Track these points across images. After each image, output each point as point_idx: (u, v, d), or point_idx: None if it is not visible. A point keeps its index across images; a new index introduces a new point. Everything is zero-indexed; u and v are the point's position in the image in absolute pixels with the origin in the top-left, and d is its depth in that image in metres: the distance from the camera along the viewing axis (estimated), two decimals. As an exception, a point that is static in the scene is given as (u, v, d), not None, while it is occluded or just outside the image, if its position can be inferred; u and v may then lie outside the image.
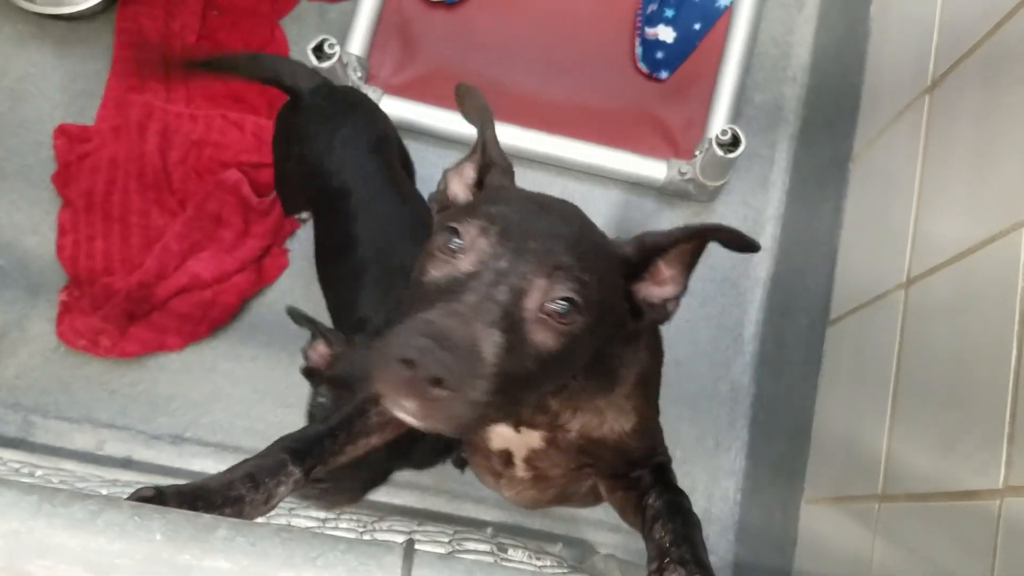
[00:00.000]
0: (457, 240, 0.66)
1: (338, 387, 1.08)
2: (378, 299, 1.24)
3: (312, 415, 1.10)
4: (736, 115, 1.73)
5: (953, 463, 1.01)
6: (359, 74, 1.70)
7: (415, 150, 1.74)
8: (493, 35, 1.81)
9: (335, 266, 1.34)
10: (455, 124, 1.71)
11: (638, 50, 1.78)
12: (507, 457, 0.95)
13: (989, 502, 0.92)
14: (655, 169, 1.70)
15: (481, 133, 0.79)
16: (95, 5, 1.69)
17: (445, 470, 1.59)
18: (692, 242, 0.75)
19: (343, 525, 1.06)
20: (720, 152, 1.56)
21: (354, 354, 1.10)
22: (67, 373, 1.62)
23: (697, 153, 1.67)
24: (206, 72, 1.55)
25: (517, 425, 0.87)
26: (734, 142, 1.56)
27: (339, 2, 1.80)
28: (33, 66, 1.74)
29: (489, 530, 1.43)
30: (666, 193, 1.74)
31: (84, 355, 1.61)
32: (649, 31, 1.76)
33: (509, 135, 1.72)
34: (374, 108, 1.44)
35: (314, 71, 1.44)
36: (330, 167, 1.31)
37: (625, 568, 1.29)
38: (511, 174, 0.78)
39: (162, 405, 1.62)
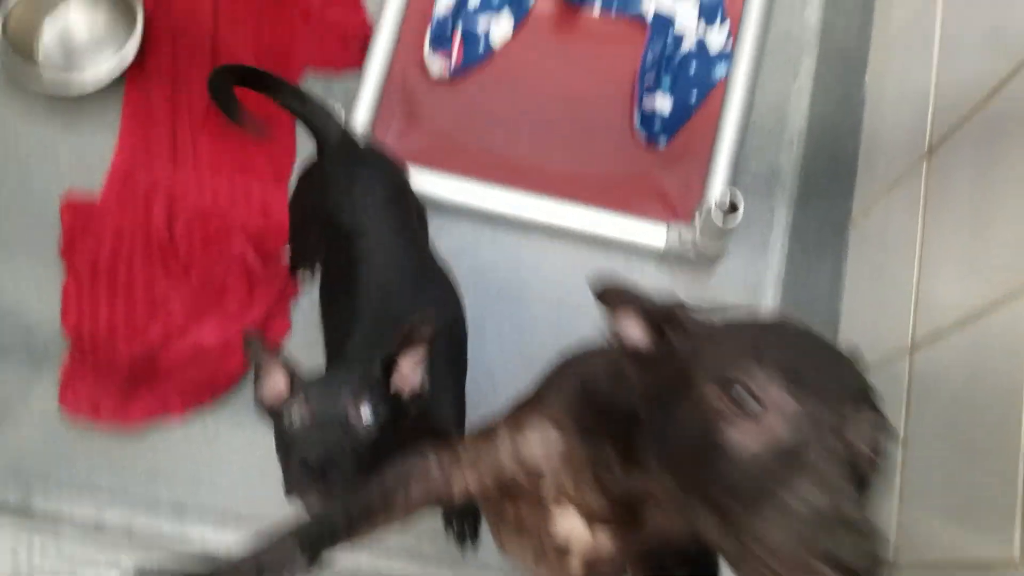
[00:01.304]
0: (745, 395, 0.60)
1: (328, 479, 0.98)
2: (370, 342, 1.24)
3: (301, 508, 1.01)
4: (734, 181, 1.75)
5: (966, 532, 1.00)
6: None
7: (418, 217, 1.77)
8: (494, 106, 1.85)
9: (336, 304, 1.36)
10: (456, 192, 1.74)
11: (636, 118, 1.82)
12: (563, 551, 0.89)
13: (1004, 572, 0.91)
14: (656, 235, 1.72)
15: (634, 297, 0.73)
16: (104, 85, 1.72)
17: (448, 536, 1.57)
18: None
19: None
20: (719, 217, 1.58)
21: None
22: (69, 442, 1.61)
23: (696, 216, 1.69)
24: (246, 85, 1.53)
25: (591, 521, 0.82)
26: (732, 207, 1.58)
27: (344, 75, 1.84)
28: (40, 141, 1.77)
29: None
30: (667, 259, 1.75)
31: (86, 423, 1.60)
32: (647, 100, 1.80)
33: (510, 203, 1.74)
34: (392, 162, 1.49)
35: (338, 124, 1.49)
36: (346, 210, 1.35)
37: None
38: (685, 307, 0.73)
39: (163, 474, 1.61)
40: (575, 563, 0.91)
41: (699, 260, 1.73)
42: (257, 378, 1.11)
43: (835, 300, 1.49)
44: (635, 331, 0.73)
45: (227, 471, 1.61)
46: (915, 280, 1.26)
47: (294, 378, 1.08)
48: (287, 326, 1.69)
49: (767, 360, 0.61)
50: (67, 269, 1.67)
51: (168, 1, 1.81)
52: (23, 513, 1.55)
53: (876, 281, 1.42)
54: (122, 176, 1.73)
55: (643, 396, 0.72)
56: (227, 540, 1.58)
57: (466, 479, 0.87)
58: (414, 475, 0.86)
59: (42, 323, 1.66)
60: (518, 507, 0.91)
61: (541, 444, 0.83)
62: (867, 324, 1.41)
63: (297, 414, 1.03)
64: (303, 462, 0.97)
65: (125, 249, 1.66)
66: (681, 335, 0.71)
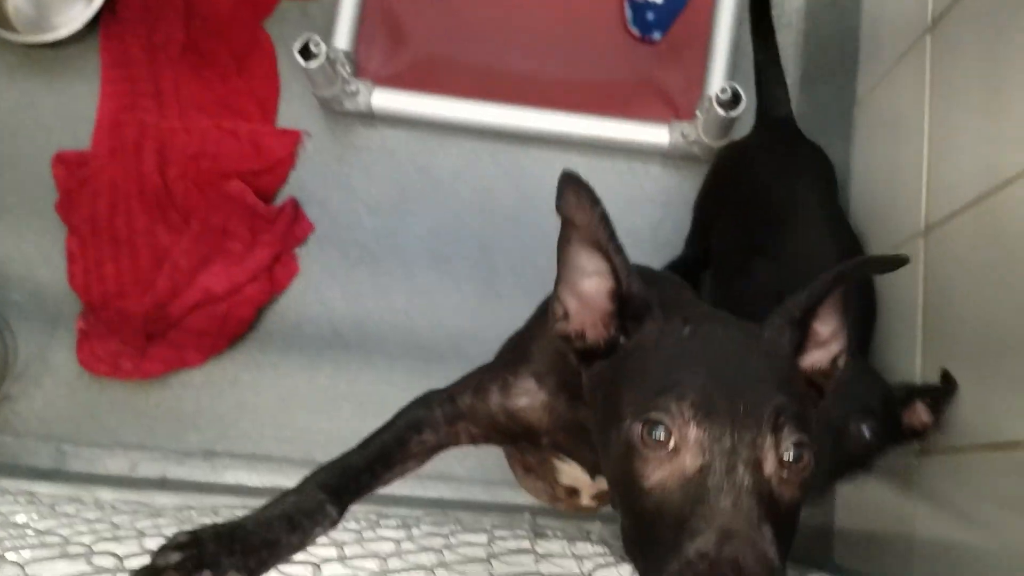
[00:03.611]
0: (662, 432, 0.62)
1: None
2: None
3: None
4: (734, 71, 1.69)
5: (992, 414, 0.99)
6: (348, 69, 1.68)
7: (411, 140, 1.72)
8: (480, 18, 1.78)
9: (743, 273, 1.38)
10: (450, 111, 1.69)
11: (628, 13, 1.75)
12: (572, 490, 0.95)
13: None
14: (658, 134, 1.68)
15: (608, 250, 0.70)
16: (78, 29, 1.66)
17: (480, 460, 1.59)
18: (839, 288, 0.71)
19: (386, 533, 1.06)
20: (721, 111, 1.53)
21: None
22: (93, 399, 1.63)
23: (698, 113, 1.64)
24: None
25: (595, 473, 0.85)
26: (735, 100, 1.53)
27: (320, -2, 1.78)
28: (24, 96, 1.73)
29: (527, 514, 1.43)
30: (671, 157, 1.71)
31: (108, 380, 1.61)
32: (637, -6, 1.73)
33: (508, 116, 1.69)
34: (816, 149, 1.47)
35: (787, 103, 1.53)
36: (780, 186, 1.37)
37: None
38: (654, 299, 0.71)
39: (189, 421, 1.63)
40: (585, 499, 0.96)
41: (704, 155, 1.68)
42: None
43: (844, 186, 1.46)
44: (589, 319, 0.72)
45: (251, 414, 1.63)
46: (925, 159, 1.22)
47: None
48: (296, 268, 1.67)
49: (685, 393, 0.62)
50: (67, 226, 1.66)
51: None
52: (58, 476, 1.58)
53: (885, 163, 1.38)
54: (109, 125, 1.69)
55: (588, 396, 0.74)
56: (261, 481, 1.62)
57: (469, 429, 0.90)
58: (424, 424, 0.89)
59: (50, 283, 1.66)
60: (524, 456, 0.96)
61: (527, 400, 0.86)
62: (878, 209, 1.38)
63: None
64: None
65: (122, 201, 1.64)
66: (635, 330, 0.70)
